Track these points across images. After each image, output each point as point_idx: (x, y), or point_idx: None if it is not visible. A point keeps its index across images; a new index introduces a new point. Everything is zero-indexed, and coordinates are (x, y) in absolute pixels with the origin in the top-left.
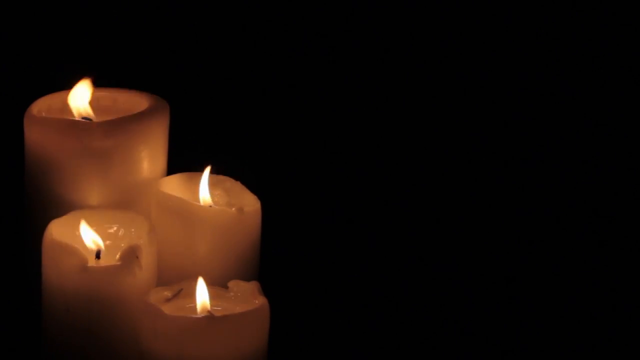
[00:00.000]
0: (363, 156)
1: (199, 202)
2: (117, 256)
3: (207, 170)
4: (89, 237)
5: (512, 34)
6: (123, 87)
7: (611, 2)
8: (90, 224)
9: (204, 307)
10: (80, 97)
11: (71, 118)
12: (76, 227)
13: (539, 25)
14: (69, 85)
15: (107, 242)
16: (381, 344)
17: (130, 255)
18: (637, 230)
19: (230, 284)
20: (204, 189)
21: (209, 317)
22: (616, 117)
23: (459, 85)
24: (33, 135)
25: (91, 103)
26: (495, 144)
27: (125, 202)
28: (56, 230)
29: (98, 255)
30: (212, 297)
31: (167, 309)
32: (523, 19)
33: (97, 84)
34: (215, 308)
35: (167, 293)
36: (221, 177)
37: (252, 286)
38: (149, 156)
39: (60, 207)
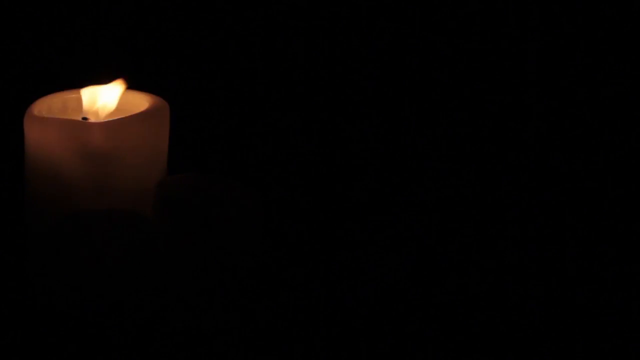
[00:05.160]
0: (363, 156)
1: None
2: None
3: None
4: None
5: (512, 34)
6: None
7: (611, 3)
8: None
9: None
10: (110, 97)
11: (71, 118)
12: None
13: (539, 25)
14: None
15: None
16: (381, 343)
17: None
18: (637, 230)
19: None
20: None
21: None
22: (616, 117)
23: (459, 86)
24: (33, 135)
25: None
26: (495, 144)
27: (125, 202)
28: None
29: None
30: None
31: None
32: (523, 19)
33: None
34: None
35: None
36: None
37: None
38: (149, 156)
39: (60, 206)
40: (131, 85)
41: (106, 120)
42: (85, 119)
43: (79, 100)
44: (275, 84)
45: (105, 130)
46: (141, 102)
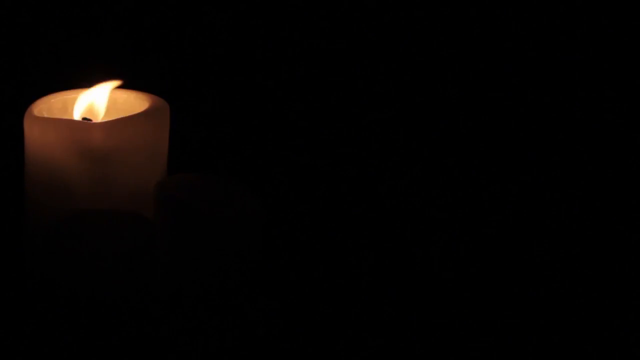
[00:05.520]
0: (364, 157)
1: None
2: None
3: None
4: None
5: (511, 34)
6: (123, 88)
7: (611, 3)
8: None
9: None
10: (99, 97)
11: (71, 118)
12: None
13: (539, 25)
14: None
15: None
16: (381, 344)
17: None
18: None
19: None
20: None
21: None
22: (616, 117)
23: (459, 86)
24: (33, 135)
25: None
26: (495, 143)
27: (125, 202)
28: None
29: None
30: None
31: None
32: (523, 19)
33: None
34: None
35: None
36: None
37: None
38: (149, 156)
39: (60, 206)
40: (131, 86)
41: (106, 120)
42: (85, 119)
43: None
44: (276, 84)
45: (105, 130)
46: (141, 102)
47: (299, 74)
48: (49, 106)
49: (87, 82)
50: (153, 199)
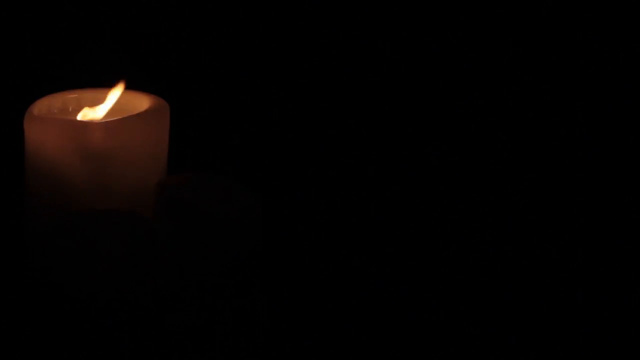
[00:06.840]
0: (363, 157)
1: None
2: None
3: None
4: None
5: (512, 34)
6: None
7: (611, 3)
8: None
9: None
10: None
11: (71, 118)
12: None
13: (538, 25)
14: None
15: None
16: (380, 345)
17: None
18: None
19: None
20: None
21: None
22: (616, 117)
23: (459, 86)
24: (33, 135)
25: (93, 104)
26: (494, 143)
27: (125, 202)
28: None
29: None
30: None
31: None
32: (523, 19)
33: (97, 85)
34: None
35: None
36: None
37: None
38: (149, 156)
39: (59, 206)
40: (131, 85)
41: (106, 120)
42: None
43: (79, 100)
44: (275, 84)
45: (105, 130)
46: (141, 102)
47: (300, 73)
48: (49, 106)
49: (87, 82)
50: (153, 199)
